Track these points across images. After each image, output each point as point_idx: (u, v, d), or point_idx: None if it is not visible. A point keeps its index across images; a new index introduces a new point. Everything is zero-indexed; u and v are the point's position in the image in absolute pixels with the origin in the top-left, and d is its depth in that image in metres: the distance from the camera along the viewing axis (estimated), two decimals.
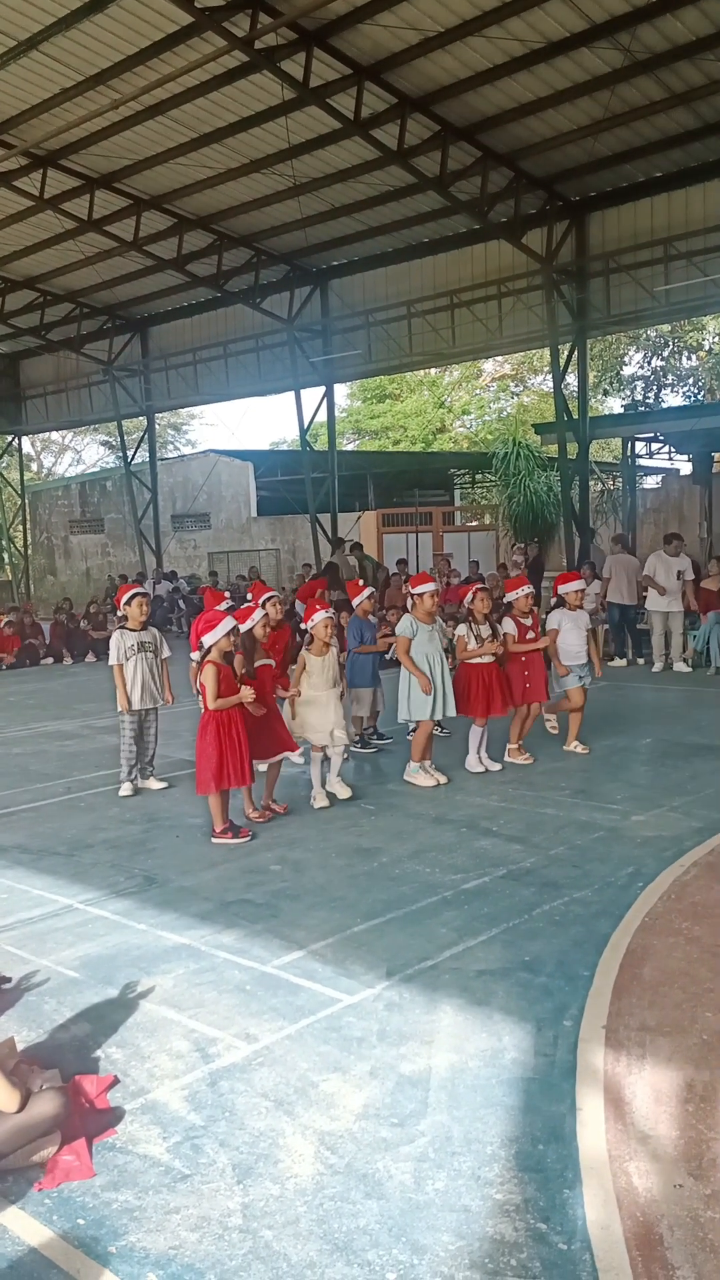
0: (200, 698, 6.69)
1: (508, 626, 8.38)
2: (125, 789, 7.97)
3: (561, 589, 8.82)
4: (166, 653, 8.15)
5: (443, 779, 7.87)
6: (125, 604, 8.05)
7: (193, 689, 6.89)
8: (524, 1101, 3.39)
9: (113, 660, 7.94)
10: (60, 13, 12.74)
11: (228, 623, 6.72)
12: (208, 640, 6.60)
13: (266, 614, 7.24)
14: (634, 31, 12.32)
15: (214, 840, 6.57)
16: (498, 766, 8.25)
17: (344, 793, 7.48)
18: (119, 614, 8.23)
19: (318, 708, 7.28)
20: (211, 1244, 2.76)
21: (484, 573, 19.75)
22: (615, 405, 34.86)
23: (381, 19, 12.41)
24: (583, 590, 8.86)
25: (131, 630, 7.99)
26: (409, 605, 8.20)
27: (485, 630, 8.11)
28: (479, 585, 8.56)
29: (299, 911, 5.24)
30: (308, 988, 4.32)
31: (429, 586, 7.92)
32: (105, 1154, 3.20)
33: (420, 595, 7.88)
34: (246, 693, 6.58)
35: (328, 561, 20.59)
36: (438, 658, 7.76)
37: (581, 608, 8.80)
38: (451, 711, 7.82)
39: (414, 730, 7.97)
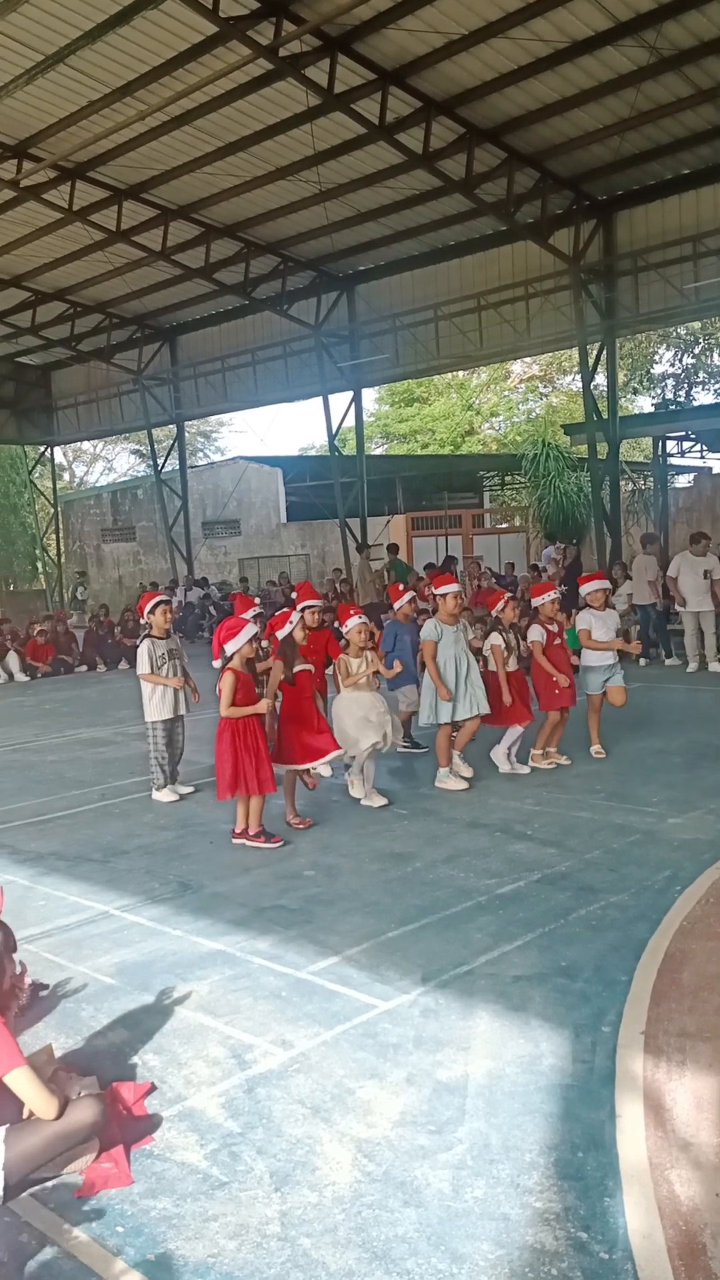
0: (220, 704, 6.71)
1: (535, 634, 8.33)
2: (165, 795, 8.00)
3: (583, 590, 8.76)
4: (185, 658, 8.23)
5: (468, 771, 7.84)
6: (149, 613, 8.09)
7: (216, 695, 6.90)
8: (563, 1108, 3.36)
9: (142, 669, 7.98)
10: (87, 26, 12.84)
11: (249, 630, 6.73)
12: (230, 648, 6.61)
13: (303, 617, 7.21)
14: (660, 28, 12.24)
15: (248, 844, 6.58)
16: (525, 770, 8.21)
17: (376, 800, 7.46)
18: (144, 622, 8.28)
19: (357, 712, 7.26)
20: (250, 1252, 2.75)
21: (519, 574, 19.67)
22: (645, 404, 34.63)
23: (405, 23, 12.41)
24: (605, 590, 8.76)
25: (159, 639, 8.03)
26: (432, 608, 8.20)
27: (512, 639, 8.10)
28: (509, 595, 8.53)
29: (333, 917, 5.23)
30: (343, 994, 4.31)
31: (452, 587, 7.90)
32: (143, 1161, 3.20)
33: (443, 596, 7.86)
34: (262, 705, 6.59)
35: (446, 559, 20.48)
36: (464, 658, 7.73)
37: (612, 607, 8.72)
38: (483, 710, 7.78)
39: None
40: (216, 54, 13.16)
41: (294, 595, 8.11)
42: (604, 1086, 3.48)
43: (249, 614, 7.56)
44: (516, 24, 12.28)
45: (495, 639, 8.08)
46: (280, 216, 18.33)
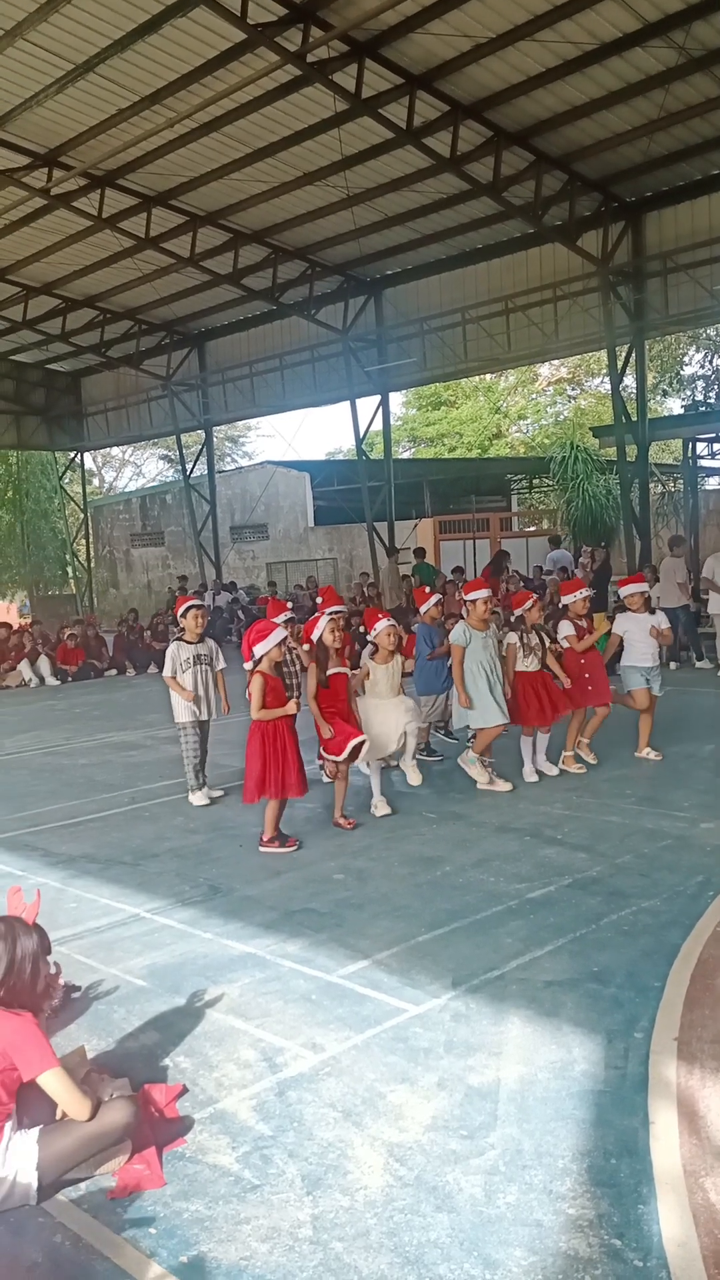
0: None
1: (565, 629, 8.31)
2: (199, 798, 8.02)
3: (622, 593, 8.69)
4: (221, 664, 8.16)
5: (506, 786, 7.82)
6: (181, 616, 8.12)
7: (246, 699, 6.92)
8: (595, 1115, 3.34)
9: (167, 672, 8.02)
10: (116, 35, 12.94)
11: (279, 634, 6.74)
12: (259, 650, 6.62)
13: (333, 620, 7.20)
14: (689, 29, 12.17)
15: (260, 849, 6.59)
16: (554, 770, 8.16)
17: (414, 778, 7.47)
18: (177, 625, 8.31)
19: (380, 716, 7.26)
20: (282, 1255, 2.75)
21: (548, 575, 19.59)
22: (675, 406, 34.44)
23: (432, 27, 12.42)
24: (644, 593, 8.71)
25: (188, 643, 8.05)
26: (464, 612, 8.18)
27: (534, 640, 8.05)
28: (535, 596, 8.51)
29: (363, 921, 5.23)
30: (373, 998, 4.30)
31: (482, 593, 7.88)
32: (175, 1163, 3.21)
33: (474, 601, 7.84)
34: (290, 706, 6.60)
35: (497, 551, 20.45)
36: (493, 665, 7.71)
37: (650, 610, 8.65)
38: (503, 720, 7.77)
39: (472, 738, 7.94)
40: (244, 60, 13.22)
41: (319, 600, 8.09)
42: (637, 1093, 3.46)
43: (281, 618, 7.57)
44: (544, 27, 12.26)
45: (511, 638, 8.05)
46: (308, 221, 18.39)
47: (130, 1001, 4.44)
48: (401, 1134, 3.28)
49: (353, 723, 7.04)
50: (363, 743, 6.87)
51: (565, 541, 24.59)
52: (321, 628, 7.03)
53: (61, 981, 4.40)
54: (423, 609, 9.10)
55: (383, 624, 7.34)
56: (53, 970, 3.52)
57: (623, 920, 5.01)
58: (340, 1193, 3.00)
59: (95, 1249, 2.84)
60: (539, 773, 8.12)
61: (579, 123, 14.48)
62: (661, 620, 8.50)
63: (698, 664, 14.32)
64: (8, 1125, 3.11)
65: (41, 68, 13.79)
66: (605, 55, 12.83)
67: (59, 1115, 3.17)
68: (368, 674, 7.33)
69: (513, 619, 8.26)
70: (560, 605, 8.73)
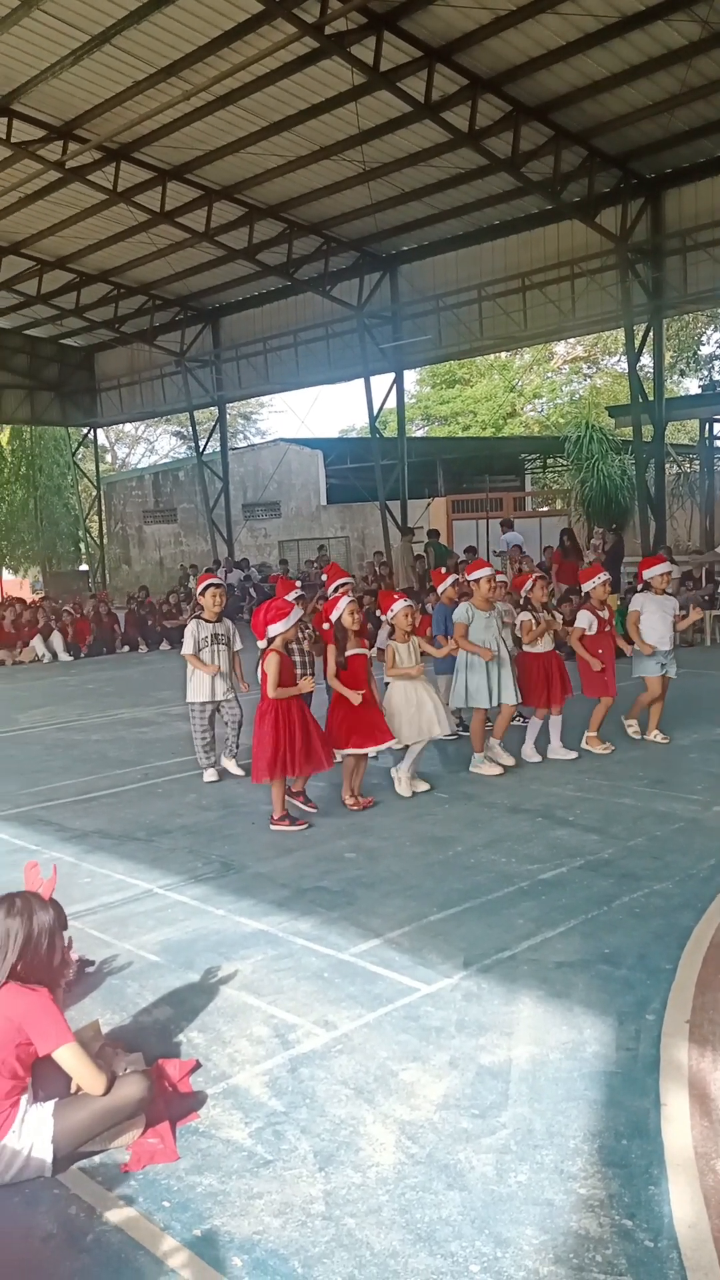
0: (261, 686, 6.71)
1: (582, 620, 8.27)
2: (210, 775, 8.04)
3: (647, 573, 8.62)
4: (239, 644, 8.17)
5: (509, 760, 7.83)
6: (200, 594, 8.12)
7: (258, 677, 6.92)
8: (606, 1095, 3.35)
9: (186, 650, 8.01)
10: (132, 6, 12.83)
11: (296, 612, 6.74)
12: (274, 630, 6.62)
13: (353, 601, 7.18)
14: (712, 2, 12.01)
15: (271, 828, 6.61)
16: (572, 755, 8.15)
17: (419, 787, 7.46)
18: (194, 604, 8.30)
19: (411, 701, 7.21)
20: (295, 1230, 2.78)
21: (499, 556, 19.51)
22: (692, 386, 34.18)
23: None
24: (669, 574, 8.66)
25: (207, 621, 8.06)
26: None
27: (542, 618, 8.06)
28: (538, 574, 8.46)
29: (375, 899, 5.24)
30: (385, 976, 4.32)
31: (485, 572, 7.86)
32: (188, 1138, 3.24)
33: (476, 581, 7.81)
34: (305, 684, 6.60)
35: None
36: (497, 645, 7.69)
37: (668, 592, 8.61)
38: (512, 699, 7.76)
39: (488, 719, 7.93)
40: (261, 33, 13.09)
41: (324, 578, 8.07)
42: (648, 1074, 3.47)
43: (290, 596, 7.56)
44: None
45: (524, 616, 8.04)
46: (324, 196, 18.26)
47: (144, 977, 4.47)
48: (413, 1112, 3.30)
49: (376, 710, 7.03)
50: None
51: (578, 522, 24.47)
52: (341, 609, 7.01)
53: (75, 956, 4.44)
54: (440, 589, 9.08)
55: (399, 605, 7.32)
56: (66, 944, 3.54)
57: (634, 902, 5.02)
58: (352, 1169, 3.03)
59: (109, 1221, 2.87)
60: (542, 756, 8.10)
61: (599, 97, 14.32)
62: (672, 605, 8.50)
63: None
64: (24, 1098, 3.14)
65: (57, 39, 13.70)
66: (627, 29, 12.67)
67: (74, 1089, 3.20)
68: (394, 656, 7.27)
69: (521, 600, 8.24)
70: (584, 593, 8.68)
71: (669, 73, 13.55)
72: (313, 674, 7.17)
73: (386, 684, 7.32)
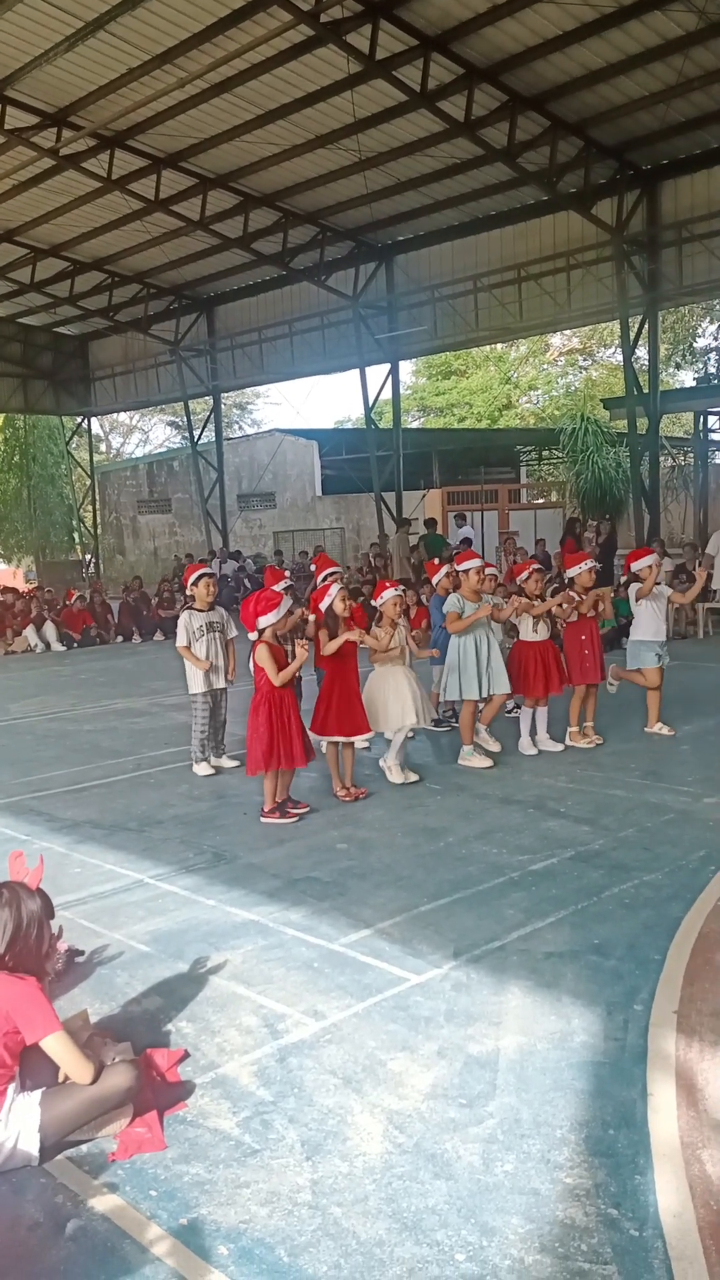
0: (255, 678, 6.69)
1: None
2: (203, 768, 8.03)
3: (634, 565, 8.63)
4: (233, 632, 8.15)
5: (496, 746, 7.82)
6: (192, 585, 8.10)
7: (249, 669, 6.90)
8: (594, 1085, 3.36)
9: (180, 642, 7.99)
10: None
11: (287, 603, 6.72)
12: (265, 621, 6.60)
13: (345, 589, 7.17)
14: None
15: (262, 820, 6.61)
16: (559, 747, 8.15)
17: (409, 777, 7.45)
18: (187, 594, 8.28)
19: (391, 688, 7.22)
20: (281, 1219, 2.78)
21: (552, 550, 19.54)
22: (687, 379, 34.14)
23: None
24: (656, 565, 8.67)
25: (199, 611, 8.04)
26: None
27: (548, 601, 8.06)
28: (535, 565, 8.47)
29: (366, 890, 5.25)
30: (375, 966, 4.33)
31: (474, 563, 7.85)
32: (176, 1127, 3.24)
33: (465, 572, 7.81)
34: (301, 650, 6.57)
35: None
36: (485, 636, 7.69)
37: (658, 583, 8.62)
38: (502, 689, 7.76)
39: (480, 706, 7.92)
40: (257, 20, 13.01)
41: (312, 568, 8.05)
42: (636, 1064, 3.48)
43: (279, 586, 7.55)
44: None
45: (517, 599, 8.05)
46: (319, 185, 18.18)
47: (133, 966, 4.47)
48: (401, 1101, 3.31)
49: (360, 701, 7.03)
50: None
51: (574, 514, 24.49)
52: (333, 595, 7.00)
53: (64, 946, 4.43)
54: (434, 579, 9.07)
55: (389, 593, 7.32)
56: (55, 934, 3.54)
57: (624, 893, 5.03)
58: (340, 1159, 3.03)
59: (96, 1210, 2.88)
60: (538, 751, 8.10)
61: (596, 88, 14.27)
62: (664, 593, 8.50)
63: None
64: (11, 1088, 3.14)
65: (51, 25, 13.60)
66: (623, 19, 12.62)
67: (61, 1078, 3.19)
68: (376, 643, 7.27)
69: (514, 589, 8.25)
70: (566, 579, 8.69)
71: (666, 63, 13.51)
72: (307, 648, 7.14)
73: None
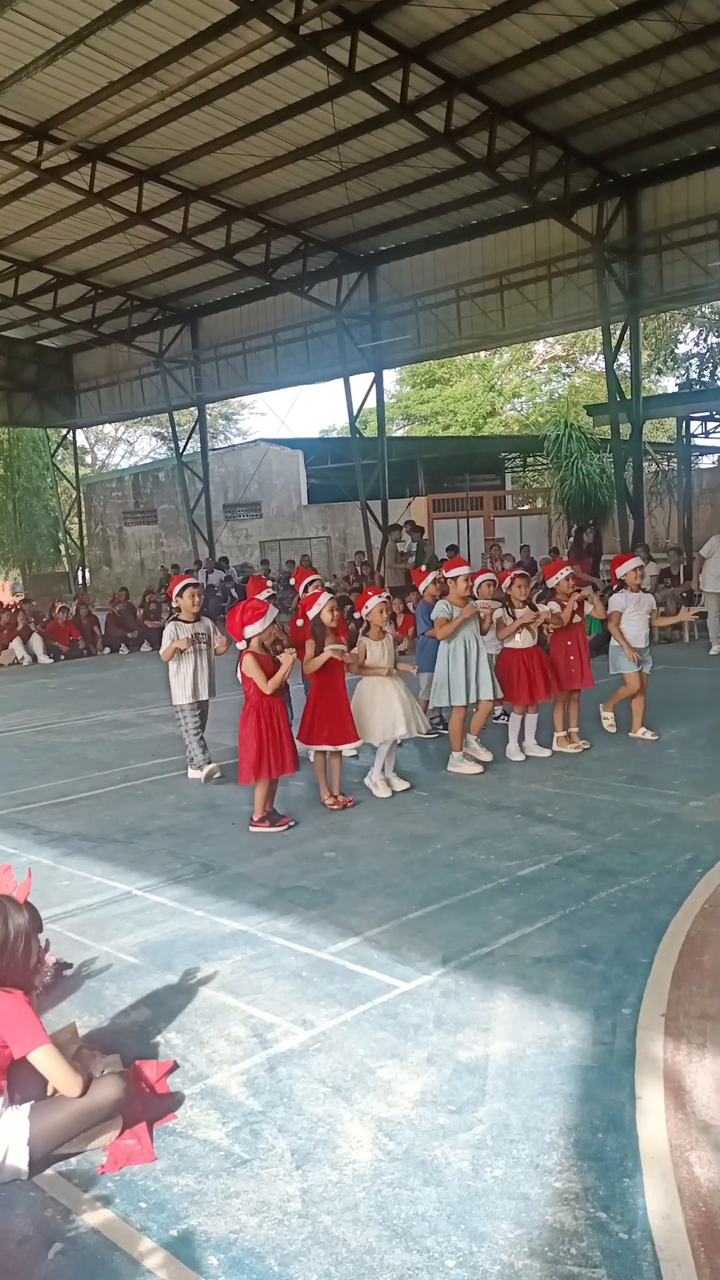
0: (243, 687, 6.69)
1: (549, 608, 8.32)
2: (200, 773, 8.01)
3: (619, 570, 8.68)
4: (218, 643, 8.15)
5: (487, 756, 7.84)
6: (177, 595, 8.10)
7: (236, 679, 6.90)
8: (582, 1090, 3.37)
9: (165, 646, 7.99)
10: (107, 5, 12.79)
11: (272, 613, 6.73)
12: (251, 631, 6.60)
13: (333, 599, 7.17)
14: (685, 2, 12.07)
15: (251, 829, 6.60)
16: (546, 753, 8.17)
17: (398, 785, 7.45)
18: (173, 605, 8.27)
19: (379, 699, 7.20)
20: (271, 1228, 2.78)
21: (537, 557, 19.62)
22: (670, 384, 34.35)
23: None
24: (641, 569, 8.71)
25: (185, 622, 8.04)
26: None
27: (522, 614, 8.07)
28: (517, 571, 8.49)
29: (354, 898, 5.25)
30: (364, 974, 4.33)
31: (462, 570, 7.86)
32: (165, 1138, 3.24)
33: (454, 579, 7.83)
34: (286, 656, 6.55)
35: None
36: (474, 643, 7.71)
37: (642, 589, 8.66)
38: (489, 695, 7.77)
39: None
40: (236, 33, 13.09)
41: (292, 581, 8.06)
42: (624, 1068, 3.49)
43: (263, 595, 7.55)
44: None
45: (499, 613, 8.08)
46: (301, 197, 18.25)
47: (122, 978, 4.46)
48: (390, 1109, 3.31)
49: (348, 710, 7.03)
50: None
51: (558, 519, 24.58)
52: (321, 605, 7.01)
53: (52, 959, 4.42)
54: (421, 586, 9.08)
55: (374, 600, 7.32)
56: (43, 947, 3.53)
57: (612, 897, 5.04)
58: (329, 1167, 3.03)
59: (86, 1223, 2.87)
60: (526, 757, 8.12)
61: (574, 97, 14.38)
62: (648, 602, 8.55)
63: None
64: None
65: (31, 39, 13.64)
66: (600, 29, 12.73)
67: (50, 1091, 3.19)
68: (364, 652, 7.27)
69: (502, 596, 8.28)
70: (547, 587, 8.72)
71: (643, 72, 13.62)
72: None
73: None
